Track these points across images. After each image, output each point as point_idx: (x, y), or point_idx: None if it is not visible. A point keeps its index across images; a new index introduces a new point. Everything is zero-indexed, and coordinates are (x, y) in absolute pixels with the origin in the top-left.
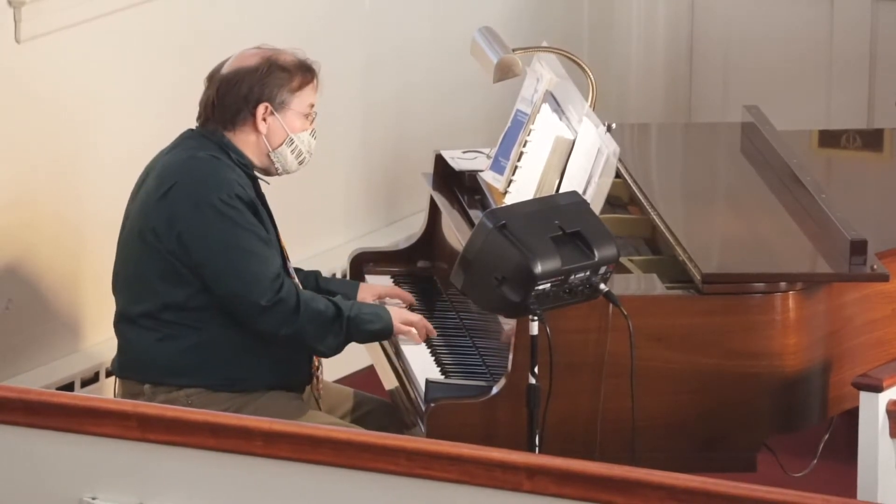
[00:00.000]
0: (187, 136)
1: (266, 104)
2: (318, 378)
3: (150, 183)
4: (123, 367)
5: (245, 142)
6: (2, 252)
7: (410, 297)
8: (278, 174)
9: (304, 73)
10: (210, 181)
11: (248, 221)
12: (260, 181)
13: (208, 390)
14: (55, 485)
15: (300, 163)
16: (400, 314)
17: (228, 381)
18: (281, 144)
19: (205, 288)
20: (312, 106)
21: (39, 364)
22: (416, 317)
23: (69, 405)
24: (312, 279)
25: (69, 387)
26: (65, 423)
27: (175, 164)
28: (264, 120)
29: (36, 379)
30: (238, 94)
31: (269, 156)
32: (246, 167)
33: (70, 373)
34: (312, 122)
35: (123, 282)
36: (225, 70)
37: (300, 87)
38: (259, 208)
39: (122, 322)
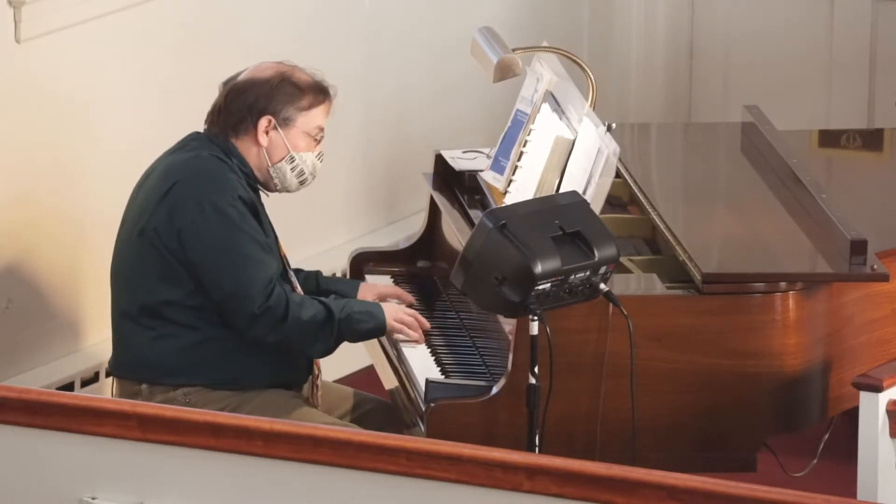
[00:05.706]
0: (192, 138)
1: (270, 117)
2: (317, 377)
3: (151, 182)
4: (120, 366)
5: (247, 152)
6: (2, 251)
7: (410, 298)
8: (277, 190)
9: (316, 93)
10: (213, 180)
11: (248, 224)
12: (260, 192)
13: (206, 389)
14: (55, 485)
15: (301, 182)
16: (394, 312)
17: (226, 379)
18: (281, 160)
19: (200, 287)
20: (321, 129)
21: (39, 364)
22: (409, 314)
23: (69, 405)
24: (313, 279)
25: (69, 387)
26: (65, 423)
27: (178, 164)
28: (266, 133)
29: (36, 379)
30: (244, 102)
31: (268, 170)
32: (248, 176)
33: (70, 373)
34: (319, 143)
35: (122, 281)
36: (239, 78)
37: (309, 107)
38: (260, 211)
39: (120, 321)
